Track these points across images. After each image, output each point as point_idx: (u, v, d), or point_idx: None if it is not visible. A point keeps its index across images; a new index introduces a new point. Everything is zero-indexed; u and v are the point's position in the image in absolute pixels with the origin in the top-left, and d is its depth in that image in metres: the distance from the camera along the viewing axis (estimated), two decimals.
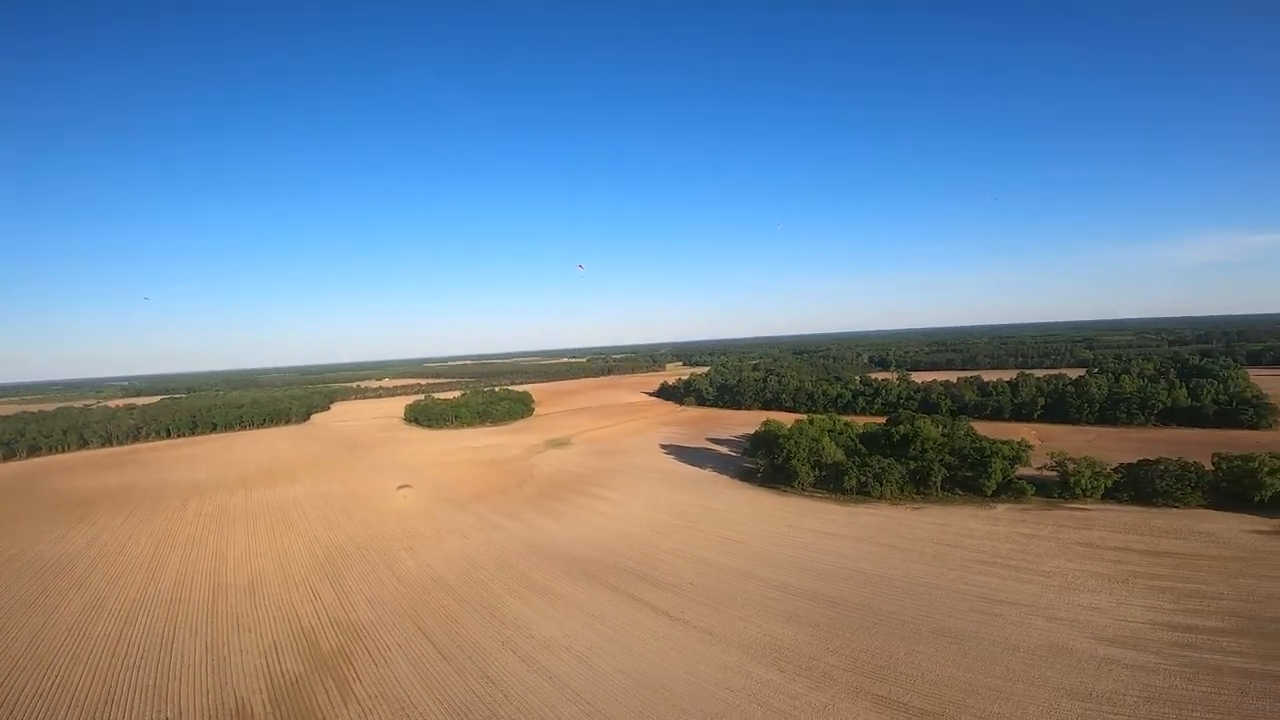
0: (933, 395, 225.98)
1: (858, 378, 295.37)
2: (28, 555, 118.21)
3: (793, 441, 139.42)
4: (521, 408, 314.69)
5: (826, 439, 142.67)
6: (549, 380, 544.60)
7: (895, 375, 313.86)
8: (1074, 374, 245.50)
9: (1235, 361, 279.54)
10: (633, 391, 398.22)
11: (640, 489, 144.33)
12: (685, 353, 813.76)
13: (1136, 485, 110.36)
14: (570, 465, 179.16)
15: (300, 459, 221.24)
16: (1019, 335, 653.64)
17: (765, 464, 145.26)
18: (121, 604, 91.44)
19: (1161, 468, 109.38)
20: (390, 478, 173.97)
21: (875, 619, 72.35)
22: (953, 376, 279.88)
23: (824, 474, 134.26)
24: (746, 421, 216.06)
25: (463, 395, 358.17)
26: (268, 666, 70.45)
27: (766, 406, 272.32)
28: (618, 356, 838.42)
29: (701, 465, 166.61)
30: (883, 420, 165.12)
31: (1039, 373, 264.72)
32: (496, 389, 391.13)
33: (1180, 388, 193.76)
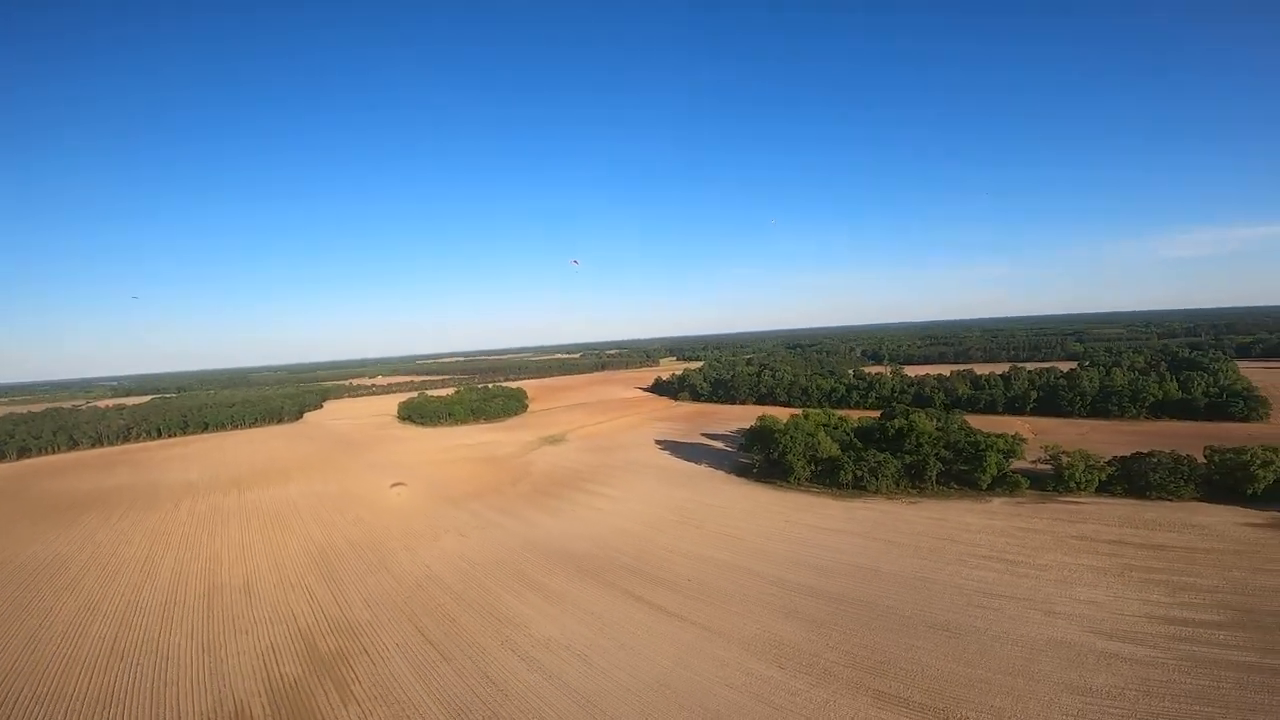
0: (926, 389, 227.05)
1: (851, 371, 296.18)
2: (20, 558, 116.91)
3: (788, 436, 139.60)
4: (516, 404, 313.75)
5: (822, 433, 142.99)
6: (543, 376, 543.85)
7: (888, 369, 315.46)
8: (1065, 367, 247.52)
9: (1224, 354, 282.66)
10: (627, 387, 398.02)
11: (636, 485, 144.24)
12: (679, 348, 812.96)
13: (1130, 478, 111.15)
14: (566, 462, 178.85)
15: (294, 458, 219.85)
16: (1010, 328, 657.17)
17: (761, 459, 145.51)
18: (116, 606, 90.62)
19: (1154, 460, 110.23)
20: (385, 476, 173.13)
21: (874, 614, 72.59)
22: (945, 370, 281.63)
23: (820, 469, 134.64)
24: (741, 416, 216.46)
25: (456, 392, 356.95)
26: (266, 668, 70.00)
27: (761, 401, 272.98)
28: (611, 352, 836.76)
29: (697, 461, 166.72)
30: (877, 414, 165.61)
31: (1030, 366, 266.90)
32: (490, 385, 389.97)
33: (1171, 380, 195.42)
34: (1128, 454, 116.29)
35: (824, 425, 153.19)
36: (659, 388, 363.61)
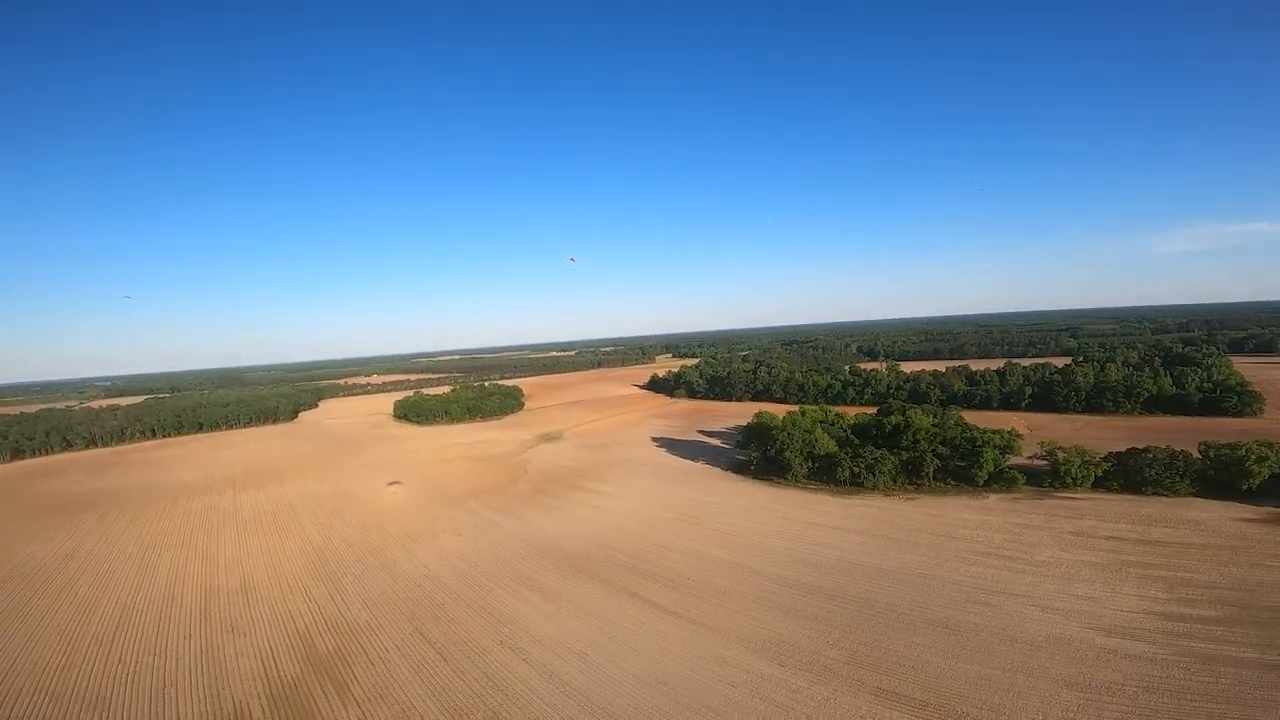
0: (922, 385, 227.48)
1: (847, 368, 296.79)
2: (15, 560, 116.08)
3: (785, 433, 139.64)
4: (512, 402, 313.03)
5: (819, 430, 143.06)
6: (538, 374, 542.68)
7: (884, 365, 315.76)
8: (1059, 363, 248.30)
9: (1218, 349, 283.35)
10: (623, 384, 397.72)
11: (633, 483, 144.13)
12: (675, 345, 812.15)
13: (1126, 474, 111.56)
14: (562, 460, 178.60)
15: (289, 458, 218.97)
16: (1005, 324, 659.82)
17: (758, 456, 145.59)
18: (113, 608, 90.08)
19: (1150, 456, 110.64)
20: (381, 476, 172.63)
21: (873, 611, 72.70)
22: (941, 366, 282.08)
23: (817, 465, 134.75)
24: (737, 413, 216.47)
25: (452, 391, 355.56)
26: (264, 669, 69.68)
27: (757, 398, 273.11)
28: (607, 349, 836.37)
29: (694, 458, 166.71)
30: (873, 410, 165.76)
31: (1025, 362, 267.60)
32: (486, 384, 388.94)
33: (1165, 376, 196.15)
34: (1123, 449, 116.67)
35: (821, 422, 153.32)
36: (655, 385, 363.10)
